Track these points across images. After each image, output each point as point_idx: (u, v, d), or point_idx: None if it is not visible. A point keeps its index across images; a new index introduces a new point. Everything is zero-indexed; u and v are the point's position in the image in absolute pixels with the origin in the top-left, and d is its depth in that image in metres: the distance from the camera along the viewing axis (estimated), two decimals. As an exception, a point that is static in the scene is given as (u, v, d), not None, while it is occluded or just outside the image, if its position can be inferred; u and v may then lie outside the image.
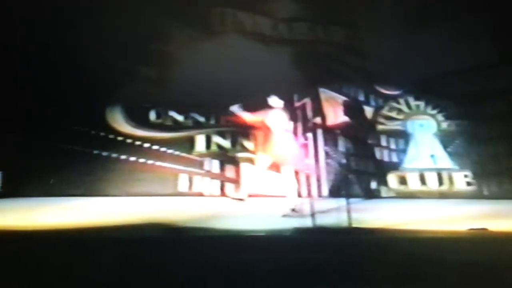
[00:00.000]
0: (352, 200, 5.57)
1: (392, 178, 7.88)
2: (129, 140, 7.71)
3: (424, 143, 8.16)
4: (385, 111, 8.44)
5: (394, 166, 8.03)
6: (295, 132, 7.30)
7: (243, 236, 5.04)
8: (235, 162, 7.71)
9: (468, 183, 7.82)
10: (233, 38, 8.54)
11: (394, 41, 8.22)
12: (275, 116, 6.34)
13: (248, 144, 7.77)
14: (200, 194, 7.53)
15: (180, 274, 3.15)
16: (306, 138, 7.44)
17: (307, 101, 7.89)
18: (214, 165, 7.77)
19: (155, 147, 7.74)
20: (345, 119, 8.12)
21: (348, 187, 6.33)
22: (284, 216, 5.99)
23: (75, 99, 7.31)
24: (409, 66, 8.07)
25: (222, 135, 7.97)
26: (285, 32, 8.84)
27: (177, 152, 7.75)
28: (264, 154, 6.33)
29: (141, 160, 7.60)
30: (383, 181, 7.84)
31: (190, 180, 7.63)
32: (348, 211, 5.40)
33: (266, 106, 6.43)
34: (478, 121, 8.10)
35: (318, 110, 8.03)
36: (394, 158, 8.14)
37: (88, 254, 3.62)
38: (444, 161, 8.01)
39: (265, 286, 3.03)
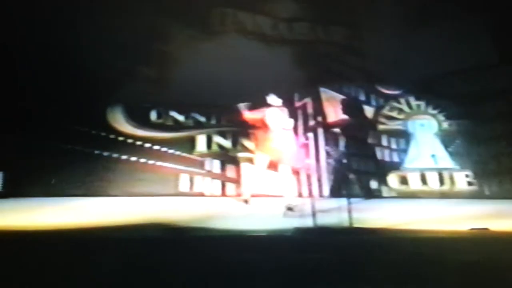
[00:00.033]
0: (353, 200, 5.58)
1: (393, 178, 7.86)
2: (130, 140, 7.70)
3: (425, 143, 8.15)
4: (386, 111, 8.43)
5: (395, 166, 8.01)
6: (295, 132, 7.32)
7: (244, 236, 5.05)
8: (236, 162, 7.70)
9: (469, 183, 7.81)
10: (234, 38, 8.53)
11: (394, 41, 8.22)
12: (273, 114, 6.35)
13: (248, 144, 7.76)
14: (201, 194, 7.52)
15: (181, 274, 3.15)
16: (307, 138, 7.44)
17: (308, 101, 7.90)
18: (215, 165, 7.76)
19: (156, 147, 7.73)
20: (344, 117, 8.10)
21: (349, 187, 6.34)
22: (283, 215, 5.99)
23: (75, 99, 7.30)
24: (410, 66, 8.07)
25: (223, 135, 7.96)
26: (285, 32, 8.83)
27: (178, 152, 7.74)
28: (262, 152, 6.34)
29: (142, 160, 7.59)
30: (384, 181, 7.83)
31: (191, 180, 7.62)
32: (349, 211, 5.41)
33: (265, 104, 6.43)
34: (479, 121, 8.09)
35: (319, 110, 8.02)
36: (395, 158, 8.12)
37: (90, 254, 3.62)
38: (445, 161, 7.99)
39: (267, 286, 3.03)
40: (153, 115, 8.01)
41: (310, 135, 7.60)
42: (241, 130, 7.70)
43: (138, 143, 7.70)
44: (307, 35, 8.81)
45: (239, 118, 7.21)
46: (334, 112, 8.22)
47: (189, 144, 7.88)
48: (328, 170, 7.50)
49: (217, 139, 7.92)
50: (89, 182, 7.34)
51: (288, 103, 7.03)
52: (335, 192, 7.24)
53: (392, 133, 8.29)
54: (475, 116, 8.09)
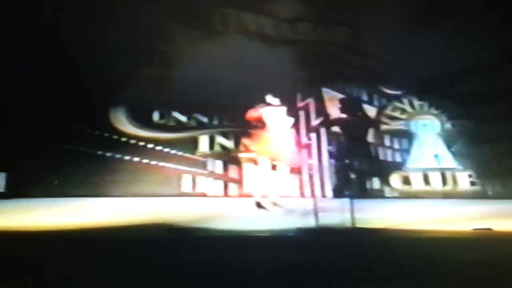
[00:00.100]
0: (355, 200, 5.57)
1: (395, 178, 7.86)
2: (132, 141, 7.71)
3: (427, 143, 8.13)
4: (388, 111, 8.42)
5: (397, 166, 8.01)
6: (297, 132, 7.32)
7: (247, 236, 5.05)
8: (238, 162, 7.70)
9: (472, 183, 7.79)
10: (236, 38, 8.53)
11: (396, 41, 8.20)
12: (271, 113, 6.37)
13: (249, 144, 7.75)
14: (204, 195, 7.52)
15: (184, 274, 3.16)
16: (309, 138, 7.44)
17: (310, 101, 7.91)
18: (217, 166, 7.77)
19: (158, 147, 7.74)
20: (344, 116, 8.09)
21: (352, 187, 6.33)
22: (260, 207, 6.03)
23: (78, 100, 7.32)
24: (412, 66, 8.05)
25: (226, 135, 7.97)
26: (287, 32, 8.83)
27: (180, 153, 7.75)
28: (261, 152, 6.36)
29: (145, 160, 7.60)
30: (386, 181, 7.82)
31: (194, 181, 7.63)
32: (352, 211, 5.41)
33: (263, 103, 6.47)
34: (482, 121, 8.06)
35: (321, 110, 8.02)
36: (398, 158, 8.12)
37: (92, 255, 3.63)
38: (448, 161, 7.98)
39: (269, 286, 3.03)
40: (155, 116, 8.02)
41: (313, 135, 7.60)
42: (243, 131, 7.70)
43: (141, 143, 7.71)
44: (309, 35, 8.80)
45: (241, 118, 7.22)
46: (337, 113, 8.22)
47: (192, 144, 7.89)
48: (330, 170, 7.50)
49: (220, 139, 7.92)
50: (91, 183, 7.36)
51: (286, 102, 7.02)
52: (338, 192, 7.24)
53: (394, 133, 8.28)
54: (477, 116, 8.07)
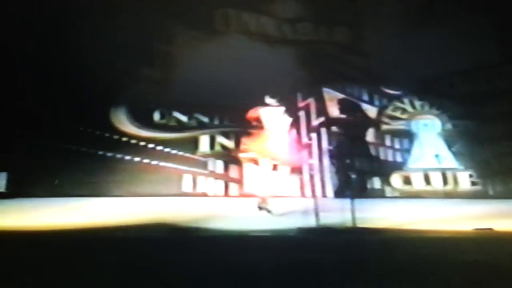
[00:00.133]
0: (356, 200, 5.56)
1: (396, 178, 7.86)
2: (133, 141, 7.73)
3: (428, 142, 8.13)
4: (389, 111, 8.41)
5: (398, 166, 8.01)
6: (298, 132, 7.31)
7: (247, 236, 5.05)
8: (239, 162, 7.71)
9: (473, 183, 7.79)
10: (237, 38, 8.54)
11: (397, 41, 8.20)
12: (269, 113, 6.37)
13: (249, 144, 7.74)
14: (204, 195, 7.54)
15: (185, 274, 3.15)
16: (310, 138, 7.44)
17: (311, 101, 7.91)
18: (218, 166, 7.77)
19: (159, 147, 7.75)
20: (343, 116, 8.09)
21: (352, 187, 6.32)
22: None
23: (79, 100, 7.33)
24: (413, 66, 8.05)
25: (226, 135, 7.97)
26: (288, 32, 8.83)
27: (181, 153, 7.76)
28: (259, 152, 6.36)
29: (146, 160, 7.61)
30: (387, 181, 7.82)
31: (194, 181, 7.64)
32: (352, 211, 5.40)
33: (261, 104, 6.49)
34: (483, 121, 8.06)
35: (322, 110, 8.02)
36: (399, 158, 8.12)
37: (93, 254, 3.63)
38: (449, 161, 7.97)
39: (270, 286, 3.03)
40: (156, 116, 8.03)
41: (313, 135, 7.60)
42: (244, 130, 7.70)
43: (142, 143, 7.73)
44: (309, 35, 8.80)
45: (241, 118, 7.20)
46: (337, 112, 8.22)
47: (192, 144, 7.90)
48: (331, 170, 7.50)
49: (220, 139, 7.93)
50: (92, 183, 7.37)
51: (287, 102, 7.02)
52: (338, 192, 7.24)
53: (395, 133, 8.27)
54: (478, 116, 8.06)
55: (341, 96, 8.32)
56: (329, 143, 7.73)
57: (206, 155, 7.84)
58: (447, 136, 8.17)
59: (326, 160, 7.53)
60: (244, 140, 7.34)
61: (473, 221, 5.41)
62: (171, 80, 8.15)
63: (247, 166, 7.49)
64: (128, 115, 7.91)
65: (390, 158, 8.11)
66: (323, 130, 7.77)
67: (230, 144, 7.90)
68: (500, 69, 8.37)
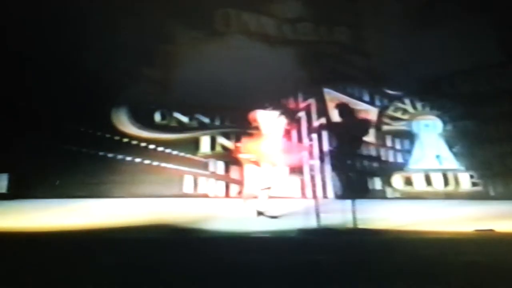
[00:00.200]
0: (357, 201, 5.56)
1: (397, 179, 7.85)
2: (134, 142, 7.73)
3: (429, 143, 8.12)
4: (390, 111, 8.41)
5: (399, 167, 8.00)
6: (299, 133, 7.31)
7: (248, 237, 5.05)
8: (239, 163, 7.70)
9: (474, 184, 7.78)
10: (238, 39, 8.55)
11: (398, 42, 8.20)
12: (266, 115, 6.38)
13: (246, 145, 7.73)
14: (205, 196, 7.53)
15: (185, 275, 3.15)
16: (311, 139, 7.42)
17: (312, 101, 7.90)
18: (219, 166, 7.77)
19: (160, 148, 7.75)
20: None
21: (353, 188, 6.32)
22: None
23: (80, 101, 7.34)
24: (414, 66, 8.05)
25: (227, 136, 7.97)
26: (289, 32, 8.84)
27: (182, 154, 7.76)
28: (256, 153, 6.36)
29: (146, 161, 7.62)
30: (388, 182, 7.82)
31: (195, 182, 7.64)
32: (353, 212, 5.39)
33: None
34: (483, 121, 8.06)
35: (323, 111, 8.02)
36: (399, 159, 8.11)
37: (94, 256, 3.63)
38: (450, 161, 7.97)
39: (270, 287, 3.03)
40: (157, 117, 8.04)
41: (314, 136, 7.59)
42: (244, 131, 7.69)
43: (143, 144, 7.73)
44: (310, 35, 8.81)
45: (242, 119, 7.20)
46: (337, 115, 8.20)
47: (193, 145, 7.90)
48: (332, 171, 7.49)
49: (221, 140, 7.93)
50: (93, 184, 7.38)
51: (282, 104, 7.03)
52: (339, 193, 7.23)
53: (396, 134, 8.27)
54: (478, 116, 8.06)
55: (341, 96, 8.31)
56: (330, 144, 7.71)
57: (207, 156, 7.84)
58: (448, 137, 8.17)
59: (327, 161, 7.51)
60: (242, 142, 7.36)
61: (474, 222, 5.41)
62: (171, 81, 8.16)
63: (247, 167, 7.48)
64: (129, 116, 7.92)
65: (391, 159, 8.11)
66: (324, 131, 7.75)
67: (230, 145, 7.89)
68: (500, 69, 8.36)
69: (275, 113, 6.50)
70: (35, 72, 7.44)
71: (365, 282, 3.07)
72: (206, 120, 8.12)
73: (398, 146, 8.20)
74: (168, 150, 7.75)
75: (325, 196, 7.22)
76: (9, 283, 2.98)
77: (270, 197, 6.34)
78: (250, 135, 6.89)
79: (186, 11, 8.36)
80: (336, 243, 4.51)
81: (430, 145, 8.11)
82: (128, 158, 7.60)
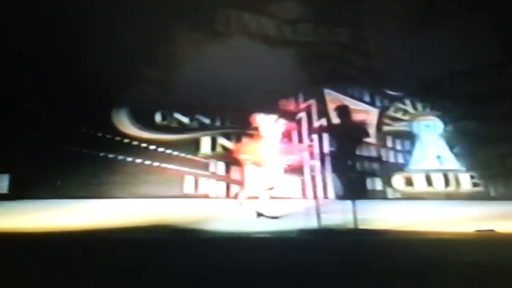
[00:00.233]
0: (357, 201, 5.56)
1: (398, 179, 7.85)
2: (135, 142, 7.74)
3: (430, 144, 8.12)
4: (390, 112, 8.41)
5: (400, 167, 8.00)
6: (299, 133, 7.32)
7: (249, 237, 5.05)
8: (240, 163, 7.70)
9: (475, 184, 7.78)
10: (238, 39, 8.55)
11: (398, 42, 8.20)
12: (265, 119, 6.38)
13: (244, 146, 7.72)
14: (206, 196, 7.53)
15: (186, 276, 3.16)
16: (311, 140, 7.42)
17: (312, 102, 7.90)
18: (219, 167, 7.78)
19: (160, 149, 7.75)
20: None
21: (354, 189, 6.32)
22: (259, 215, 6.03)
23: (81, 102, 7.35)
24: (414, 67, 8.05)
25: (227, 136, 7.98)
26: (289, 33, 8.84)
27: (182, 154, 7.77)
28: (254, 154, 6.38)
29: (147, 162, 7.62)
30: (389, 182, 7.82)
31: (196, 182, 7.64)
32: (354, 213, 5.40)
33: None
34: (484, 122, 8.05)
35: (323, 111, 8.02)
36: (400, 159, 8.11)
37: (95, 256, 3.63)
38: (451, 162, 7.97)
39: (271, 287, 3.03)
40: (158, 117, 8.04)
41: (315, 136, 7.59)
42: (245, 132, 7.69)
43: (143, 145, 7.74)
44: (310, 36, 8.81)
45: (243, 120, 7.21)
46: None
47: (194, 146, 7.91)
48: (332, 171, 7.48)
49: (221, 140, 7.93)
50: (94, 184, 7.38)
51: (288, 103, 7.02)
52: (340, 193, 7.22)
53: (397, 134, 8.27)
54: (479, 116, 8.05)
55: (342, 97, 8.31)
56: (331, 144, 7.71)
57: (207, 157, 7.85)
58: (448, 137, 8.17)
59: (328, 162, 7.51)
60: (242, 144, 7.37)
61: (475, 223, 5.41)
62: (172, 81, 8.16)
63: (247, 168, 7.48)
64: (129, 116, 7.93)
65: (391, 160, 8.11)
66: (325, 131, 7.75)
67: (231, 145, 7.90)
68: (500, 69, 8.36)
69: (274, 115, 6.50)
70: (35, 72, 7.44)
71: (366, 282, 3.07)
72: (206, 120, 8.13)
73: (398, 147, 8.20)
74: (168, 151, 7.75)
75: (325, 197, 7.23)
76: (10, 284, 2.98)
77: (271, 197, 6.33)
78: (250, 136, 6.89)
79: (187, 11, 8.37)
80: (336, 244, 4.51)
81: (430, 146, 8.11)
82: (129, 159, 7.61)
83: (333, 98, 8.28)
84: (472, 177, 7.81)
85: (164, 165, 7.62)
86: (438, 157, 7.98)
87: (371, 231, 5.21)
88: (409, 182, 7.84)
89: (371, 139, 8.03)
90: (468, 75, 8.41)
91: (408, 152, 8.14)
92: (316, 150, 7.42)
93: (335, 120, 6.93)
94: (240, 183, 7.46)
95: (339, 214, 5.49)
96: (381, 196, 7.73)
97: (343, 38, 8.86)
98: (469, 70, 8.38)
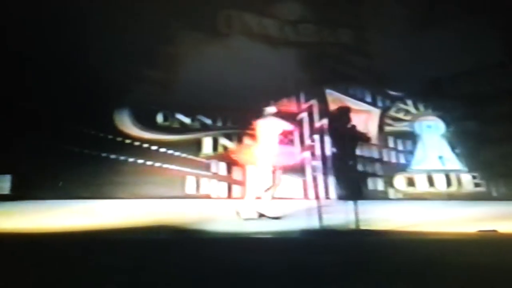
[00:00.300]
0: (359, 201, 5.55)
1: (399, 180, 7.85)
2: (136, 143, 7.75)
3: (431, 144, 8.12)
4: (392, 112, 8.41)
5: (401, 168, 8.00)
6: (300, 134, 7.32)
7: (251, 238, 5.05)
8: (241, 164, 7.70)
9: (477, 184, 7.78)
10: (240, 40, 8.56)
11: (400, 42, 8.20)
12: (265, 123, 6.39)
13: (244, 147, 7.71)
14: (208, 196, 7.54)
15: (188, 276, 3.16)
16: (313, 140, 7.43)
17: (314, 103, 7.90)
18: (221, 167, 7.78)
19: (162, 149, 7.76)
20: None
21: (356, 189, 6.32)
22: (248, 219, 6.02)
23: (83, 102, 7.35)
24: (417, 67, 8.05)
25: (229, 137, 7.98)
26: (291, 34, 8.85)
27: (184, 155, 7.77)
28: (252, 155, 6.38)
29: (149, 162, 7.63)
30: (390, 183, 7.82)
31: (198, 182, 7.65)
32: (356, 213, 5.39)
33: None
34: (486, 122, 8.04)
35: (325, 112, 8.01)
36: (402, 160, 8.11)
37: (97, 256, 3.63)
38: (452, 162, 7.96)
39: (273, 288, 3.03)
40: (159, 118, 8.05)
41: (316, 137, 7.59)
42: (246, 132, 7.70)
43: (145, 145, 7.75)
44: (312, 36, 8.81)
45: (244, 120, 7.21)
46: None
47: (195, 146, 7.91)
48: (334, 172, 7.48)
49: (223, 141, 7.94)
50: (96, 185, 7.39)
51: (289, 103, 7.02)
52: (342, 194, 7.22)
53: (398, 135, 8.27)
54: (481, 117, 8.05)
55: (343, 98, 8.31)
56: (332, 145, 7.71)
57: (209, 157, 7.85)
58: (450, 138, 8.16)
59: (329, 162, 7.51)
60: (241, 144, 7.38)
61: (477, 223, 5.40)
62: (173, 82, 8.16)
63: (247, 169, 7.48)
64: (131, 117, 7.94)
65: (393, 160, 8.11)
66: (326, 132, 7.75)
67: (232, 146, 7.90)
68: (501, 69, 8.35)
69: (274, 117, 6.50)
70: (38, 74, 7.45)
71: (367, 282, 3.07)
72: (208, 121, 8.14)
73: (400, 147, 8.20)
74: (170, 151, 7.76)
75: (327, 197, 7.22)
76: (12, 284, 2.99)
77: (273, 198, 6.33)
78: (251, 136, 6.89)
79: (189, 12, 8.38)
80: (338, 244, 4.50)
81: (432, 146, 8.11)
82: (131, 159, 7.62)
83: (335, 99, 8.29)
84: (474, 177, 7.81)
85: (165, 165, 7.63)
86: (440, 157, 7.98)
87: (373, 231, 5.20)
88: (411, 183, 7.84)
89: (373, 140, 8.04)
90: (469, 75, 8.40)
91: (410, 153, 8.14)
92: (318, 150, 7.43)
93: (337, 120, 6.93)
94: (242, 183, 7.49)
95: (341, 214, 5.49)
96: (383, 196, 7.73)
97: (344, 39, 8.87)
98: (470, 70, 8.37)
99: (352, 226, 5.33)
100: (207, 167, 7.77)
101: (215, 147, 7.94)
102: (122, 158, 7.61)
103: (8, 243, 4.30)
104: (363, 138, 6.81)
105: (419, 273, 3.24)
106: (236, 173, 7.64)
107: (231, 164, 7.70)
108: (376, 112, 8.38)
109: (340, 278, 3.12)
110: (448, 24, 8.30)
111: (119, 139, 7.71)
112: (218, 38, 8.50)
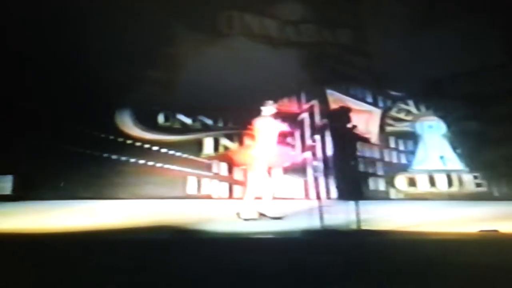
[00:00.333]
0: (360, 202, 5.55)
1: (401, 180, 7.84)
2: (138, 143, 7.75)
3: (433, 144, 8.11)
4: (393, 113, 8.41)
5: (403, 168, 7.99)
6: (302, 134, 7.32)
7: (252, 238, 5.05)
8: (241, 165, 7.70)
9: (478, 185, 7.76)
10: (241, 40, 8.56)
11: (401, 43, 8.20)
12: (264, 123, 6.40)
13: (243, 148, 7.70)
14: (209, 197, 7.54)
15: (189, 276, 3.16)
16: (314, 140, 7.43)
17: (315, 103, 7.90)
18: (222, 168, 7.78)
19: (163, 150, 7.76)
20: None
21: (357, 189, 6.32)
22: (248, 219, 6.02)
23: (84, 103, 7.35)
24: (418, 67, 8.03)
25: (230, 137, 7.98)
26: (292, 34, 8.84)
27: (185, 155, 7.77)
28: (251, 156, 6.39)
29: (150, 163, 7.62)
30: (392, 183, 7.81)
31: (199, 183, 7.65)
32: (357, 213, 5.39)
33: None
34: (487, 122, 8.03)
35: (326, 112, 8.01)
36: (403, 160, 8.10)
37: (98, 257, 3.64)
38: (454, 162, 7.95)
39: (274, 288, 3.03)
40: (160, 118, 8.05)
41: (317, 137, 7.59)
42: (247, 132, 7.70)
43: (146, 146, 7.75)
44: (313, 37, 8.81)
45: (245, 120, 7.21)
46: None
47: (197, 146, 7.91)
48: (335, 172, 7.48)
49: (224, 141, 7.94)
50: (97, 185, 7.39)
51: (290, 103, 7.03)
52: (343, 194, 7.22)
53: (400, 135, 8.27)
54: (482, 117, 8.03)
55: (344, 98, 8.30)
56: (333, 145, 7.71)
57: (210, 157, 7.85)
58: (451, 138, 8.15)
59: (330, 162, 7.51)
60: (241, 145, 7.38)
61: (478, 223, 5.40)
62: (175, 82, 8.17)
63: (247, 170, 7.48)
64: (132, 117, 7.94)
65: (394, 160, 8.10)
66: (327, 132, 7.75)
67: (233, 146, 7.90)
68: (504, 70, 8.34)
69: (273, 118, 6.50)
70: (39, 74, 7.46)
71: (368, 283, 3.07)
72: (209, 121, 8.13)
73: (401, 147, 8.20)
74: (171, 152, 7.75)
75: (328, 197, 7.22)
76: (14, 285, 2.99)
77: (274, 198, 6.33)
78: (252, 137, 6.90)
79: (189, 13, 8.39)
80: (339, 244, 4.50)
81: (433, 146, 8.10)
82: (132, 160, 7.62)
83: (336, 99, 8.28)
84: (475, 177, 7.80)
85: (166, 166, 7.63)
86: (441, 157, 7.97)
87: (374, 231, 5.20)
88: (412, 183, 7.83)
89: (374, 140, 8.04)
90: (470, 75, 8.39)
91: (411, 153, 8.13)
92: (319, 150, 7.43)
93: (337, 120, 6.94)
94: (243, 184, 7.49)
95: (342, 214, 5.49)
96: (384, 196, 7.72)
97: (345, 39, 8.86)
98: (471, 70, 8.36)
99: (353, 226, 5.33)
100: (208, 168, 7.76)
101: (216, 148, 7.94)
102: (123, 158, 7.61)
103: (9, 243, 4.31)
104: (364, 138, 6.81)
105: (420, 273, 3.24)
106: (237, 174, 7.63)
107: (232, 164, 7.71)
108: (377, 112, 8.38)
109: (341, 278, 3.12)
110: (449, 24, 8.29)
111: (120, 139, 7.71)
112: (219, 38, 8.50)
